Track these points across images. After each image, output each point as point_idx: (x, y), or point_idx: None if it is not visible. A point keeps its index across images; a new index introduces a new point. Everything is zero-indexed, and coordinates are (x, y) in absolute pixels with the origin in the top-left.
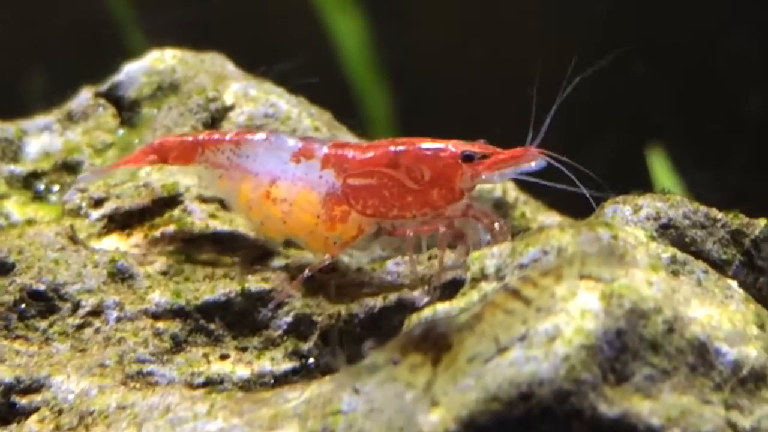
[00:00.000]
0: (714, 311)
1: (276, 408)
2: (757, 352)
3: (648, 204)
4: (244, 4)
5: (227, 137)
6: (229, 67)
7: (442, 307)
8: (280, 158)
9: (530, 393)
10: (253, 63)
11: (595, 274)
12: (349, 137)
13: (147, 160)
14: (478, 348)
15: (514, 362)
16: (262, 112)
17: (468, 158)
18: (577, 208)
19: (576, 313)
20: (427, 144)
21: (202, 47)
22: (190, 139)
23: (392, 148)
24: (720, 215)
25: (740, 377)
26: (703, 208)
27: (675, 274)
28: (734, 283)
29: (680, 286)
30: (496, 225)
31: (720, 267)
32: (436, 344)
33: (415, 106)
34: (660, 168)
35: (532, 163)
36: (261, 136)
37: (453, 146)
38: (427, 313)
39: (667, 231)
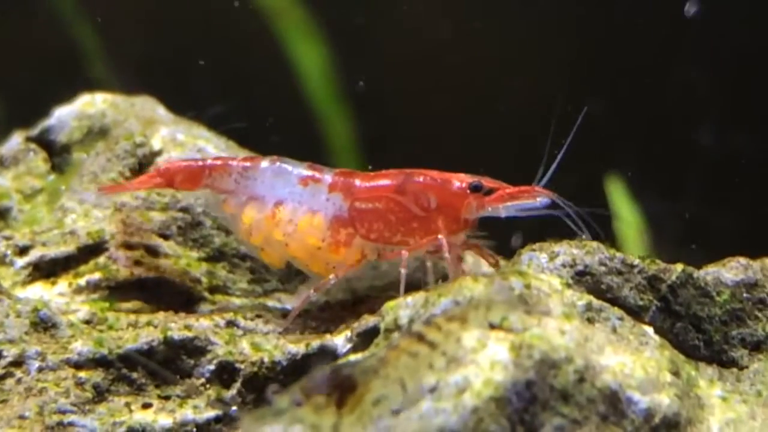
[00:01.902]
0: (627, 359)
1: None
2: (670, 399)
3: (564, 251)
4: (207, 34)
5: (234, 162)
6: (160, 110)
7: (355, 359)
8: (288, 181)
9: None
10: (216, 91)
11: (506, 324)
12: None
13: (153, 183)
14: (383, 391)
15: (423, 415)
16: (189, 158)
17: (475, 189)
18: (508, 250)
19: (485, 365)
20: (435, 173)
21: (166, 76)
22: (198, 163)
23: (400, 176)
24: (636, 261)
25: (652, 425)
26: (619, 255)
27: (590, 321)
28: (650, 330)
29: (594, 334)
30: (491, 258)
31: (636, 313)
32: (340, 386)
33: (380, 134)
34: (618, 197)
35: (537, 201)
36: (268, 161)
37: (461, 177)
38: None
39: (583, 278)
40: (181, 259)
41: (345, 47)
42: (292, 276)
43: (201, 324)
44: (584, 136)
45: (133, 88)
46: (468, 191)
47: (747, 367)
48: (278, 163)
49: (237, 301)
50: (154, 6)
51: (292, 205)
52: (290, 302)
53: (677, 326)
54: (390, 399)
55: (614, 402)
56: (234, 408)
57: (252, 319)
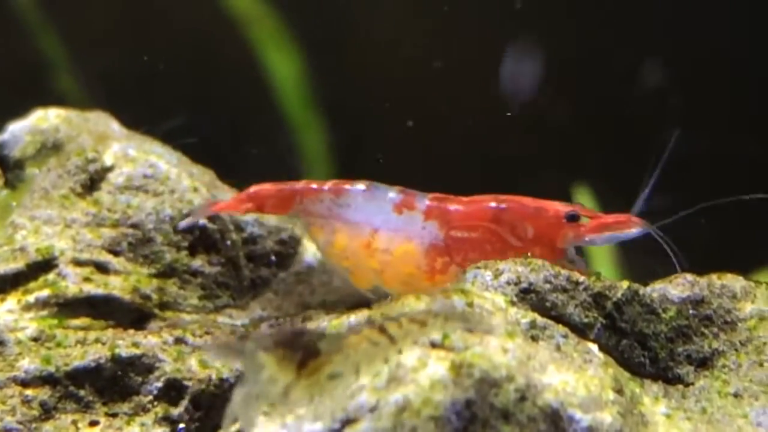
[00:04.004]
0: (570, 377)
1: None
2: (612, 417)
3: (509, 268)
4: (179, 44)
5: (326, 187)
6: (114, 126)
7: (321, 329)
8: (382, 209)
9: None
10: (189, 100)
11: (448, 343)
12: (228, 197)
13: (243, 208)
14: (340, 368)
15: None
16: (141, 173)
17: (572, 218)
18: None
19: (425, 384)
20: (531, 202)
21: (136, 87)
22: (289, 187)
23: (496, 204)
24: (582, 278)
25: None
26: (564, 272)
27: (534, 339)
28: (594, 347)
29: (537, 352)
30: None
31: (581, 331)
32: (305, 348)
33: (354, 143)
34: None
35: (632, 231)
36: (360, 186)
37: (558, 206)
38: None
39: (527, 296)
40: (131, 275)
41: (319, 56)
42: (244, 292)
43: (149, 341)
44: (551, 146)
45: (100, 100)
46: (565, 221)
47: (693, 384)
48: (370, 189)
49: (187, 318)
50: (123, 15)
51: (388, 234)
52: (241, 318)
53: (623, 343)
54: (344, 380)
55: (556, 420)
56: (181, 426)
57: (201, 336)
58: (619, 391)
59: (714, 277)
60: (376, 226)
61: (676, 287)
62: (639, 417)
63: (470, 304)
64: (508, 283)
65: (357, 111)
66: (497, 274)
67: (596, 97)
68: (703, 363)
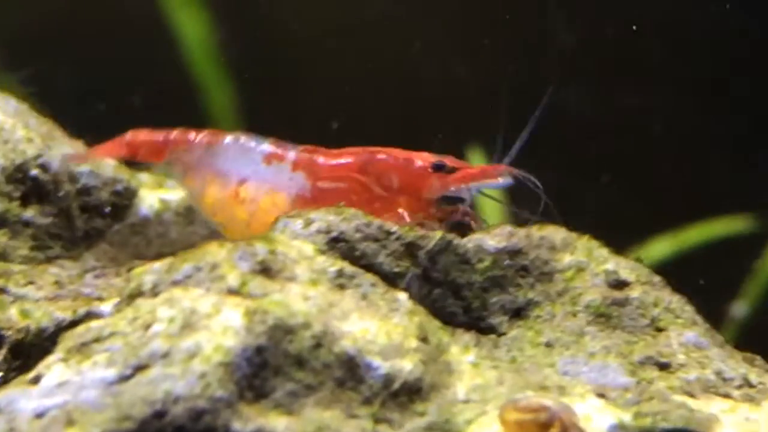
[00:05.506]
0: (372, 325)
1: None
2: (413, 365)
3: (320, 218)
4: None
5: (198, 138)
6: None
7: (96, 324)
8: (252, 159)
9: (164, 411)
10: (93, 62)
11: (245, 290)
12: (66, 148)
13: (117, 154)
14: (138, 313)
15: (152, 380)
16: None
17: (438, 168)
18: None
19: (218, 330)
20: (398, 153)
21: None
22: (161, 138)
23: (363, 155)
24: (395, 228)
25: (392, 391)
26: (377, 222)
27: (341, 287)
28: (404, 296)
29: (342, 300)
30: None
31: (392, 280)
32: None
33: (262, 104)
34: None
35: (500, 180)
36: (232, 137)
37: (423, 157)
38: (80, 330)
39: (337, 244)
40: None
41: (227, 13)
42: (77, 243)
43: None
44: (444, 106)
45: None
46: (430, 171)
47: (506, 333)
48: (242, 140)
49: (16, 268)
50: None
51: (255, 184)
52: (74, 269)
53: (435, 293)
54: (141, 325)
55: (352, 367)
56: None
57: (24, 285)
58: (424, 339)
59: (534, 228)
60: (244, 176)
61: (494, 238)
62: (444, 365)
63: (273, 252)
64: (318, 232)
65: (267, 71)
66: (308, 223)
67: (494, 58)
68: (518, 313)
